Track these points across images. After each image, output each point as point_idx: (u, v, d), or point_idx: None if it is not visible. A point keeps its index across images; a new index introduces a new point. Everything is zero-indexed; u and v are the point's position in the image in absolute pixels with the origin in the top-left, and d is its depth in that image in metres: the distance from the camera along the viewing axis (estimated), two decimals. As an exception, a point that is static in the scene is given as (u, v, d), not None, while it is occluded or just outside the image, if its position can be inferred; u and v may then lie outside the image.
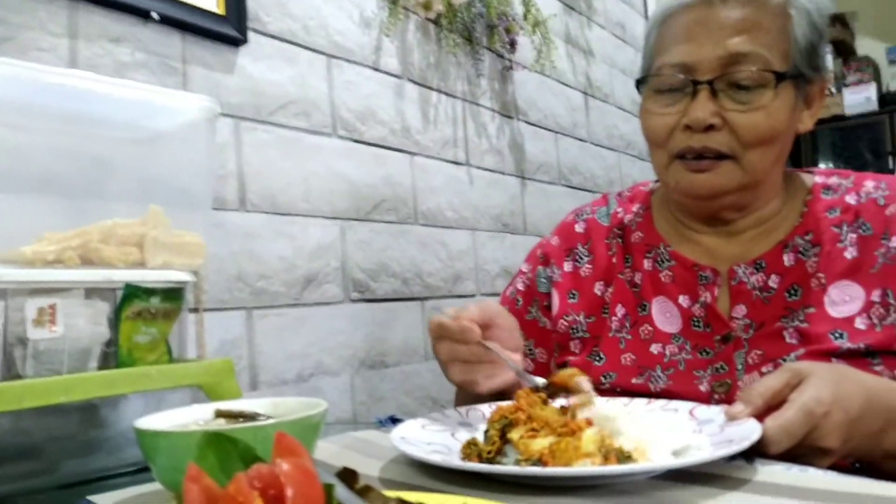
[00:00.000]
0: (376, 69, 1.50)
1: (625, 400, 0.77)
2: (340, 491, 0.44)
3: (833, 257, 0.83)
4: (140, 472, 0.72)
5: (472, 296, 1.70)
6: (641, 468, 0.53)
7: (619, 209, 1.00)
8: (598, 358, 0.91)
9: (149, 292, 0.75)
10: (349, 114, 1.41)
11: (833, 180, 0.90)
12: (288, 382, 1.20)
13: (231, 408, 0.65)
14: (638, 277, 0.93)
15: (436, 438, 0.67)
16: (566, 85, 2.24)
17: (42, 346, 0.67)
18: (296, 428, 0.54)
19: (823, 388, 0.62)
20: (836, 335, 0.79)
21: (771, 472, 0.57)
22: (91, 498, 0.60)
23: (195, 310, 0.88)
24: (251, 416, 0.64)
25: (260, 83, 1.24)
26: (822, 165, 4.37)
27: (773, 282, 0.85)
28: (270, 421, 0.53)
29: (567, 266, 0.99)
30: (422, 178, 1.58)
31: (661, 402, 0.75)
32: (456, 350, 0.74)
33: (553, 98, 2.16)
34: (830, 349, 0.78)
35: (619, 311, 0.92)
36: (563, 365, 0.96)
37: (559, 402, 0.69)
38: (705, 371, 0.84)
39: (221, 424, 0.62)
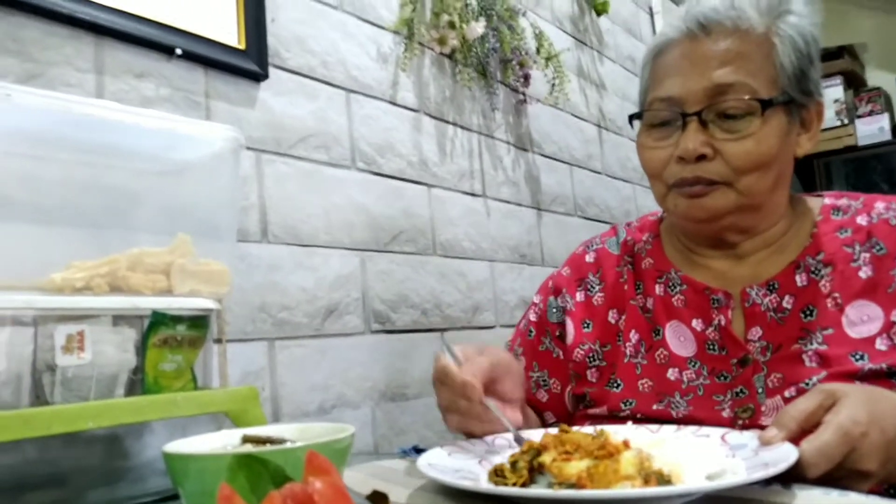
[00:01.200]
0: (394, 103, 1.52)
1: (653, 427, 0.76)
2: (374, 512, 0.44)
3: (847, 277, 0.83)
4: (164, 502, 0.71)
5: (492, 327, 1.69)
6: (684, 490, 0.52)
7: (629, 238, 1.00)
8: (615, 385, 0.90)
9: (175, 320, 0.75)
10: (368, 147, 1.43)
11: (843, 202, 0.91)
12: (310, 414, 1.19)
13: (258, 433, 0.64)
14: (650, 303, 0.93)
15: (463, 465, 0.66)
16: (579, 118, 2.26)
17: (70, 372, 0.67)
18: (325, 451, 0.53)
19: (859, 409, 0.61)
20: (857, 357, 0.78)
21: (810, 496, 0.56)
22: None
23: (219, 340, 0.88)
24: (279, 441, 0.63)
25: (281, 117, 1.26)
26: (837, 196, 4.36)
27: (787, 302, 0.84)
28: (300, 444, 0.53)
29: (579, 296, 0.99)
30: (439, 210, 1.59)
31: (692, 428, 0.74)
32: (455, 401, 0.73)
33: (567, 131, 2.18)
34: (852, 371, 0.77)
35: (633, 336, 0.92)
36: (582, 396, 0.94)
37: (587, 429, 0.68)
38: (725, 396, 0.83)
39: (249, 449, 0.62)
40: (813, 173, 4.14)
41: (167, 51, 1.10)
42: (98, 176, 0.79)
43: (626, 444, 0.57)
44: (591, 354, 0.95)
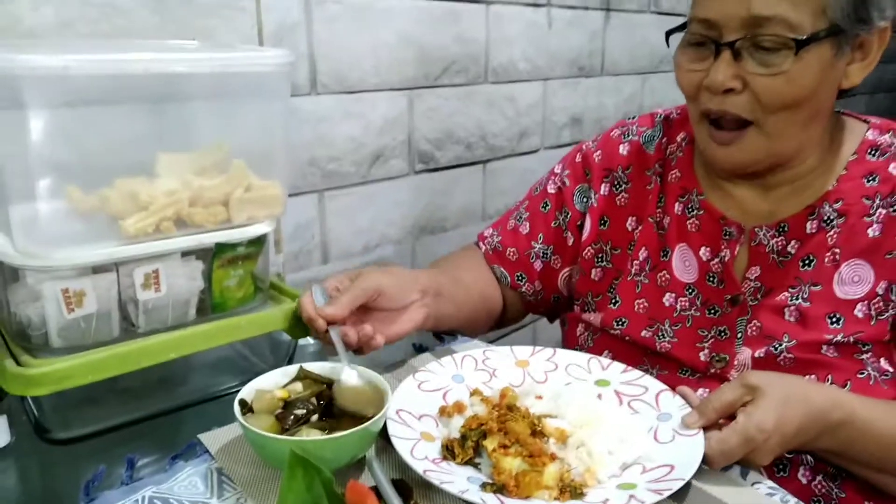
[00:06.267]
0: None
1: (605, 362, 0.86)
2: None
3: (855, 232, 0.84)
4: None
5: (536, 150, 1.71)
6: None
7: (664, 139, 0.99)
8: (614, 301, 0.97)
9: (236, 244, 0.83)
10: (424, -34, 1.31)
11: (885, 139, 0.87)
12: (355, 255, 1.31)
13: (312, 371, 0.77)
14: (666, 221, 0.95)
15: (427, 407, 0.77)
16: None
17: (150, 304, 0.77)
18: (362, 433, 0.66)
19: (769, 415, 0.69)
20: (833, 319, 0.83)
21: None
22: (200, 437, 0.75)
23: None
24: (327, 382, 0.76)
25: (331, -57, 1.15)
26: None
27: (792, 247, 0.87)
28: (345, 433, 0.65)
29: (604, 188, 1.01)
30: (496, 30, 1.50)
31: (637, 373, 0.83)
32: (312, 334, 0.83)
33: None
34: (819, 341, 0.83)
35: (642, 253, 0.96)
36: (583, 294, 1.02)
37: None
38: (709, 332, 0.89)
39: (303, 439, 0.72)
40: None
41: None
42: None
43: (552, 457, 0.68)
44: (599, 254, 1.00)
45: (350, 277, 0.85)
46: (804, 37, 0.75)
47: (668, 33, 0.87)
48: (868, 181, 0.85)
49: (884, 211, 0.83)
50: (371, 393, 0.73)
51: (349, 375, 0.75)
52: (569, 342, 1.06)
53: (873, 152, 0.86)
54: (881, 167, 0.85)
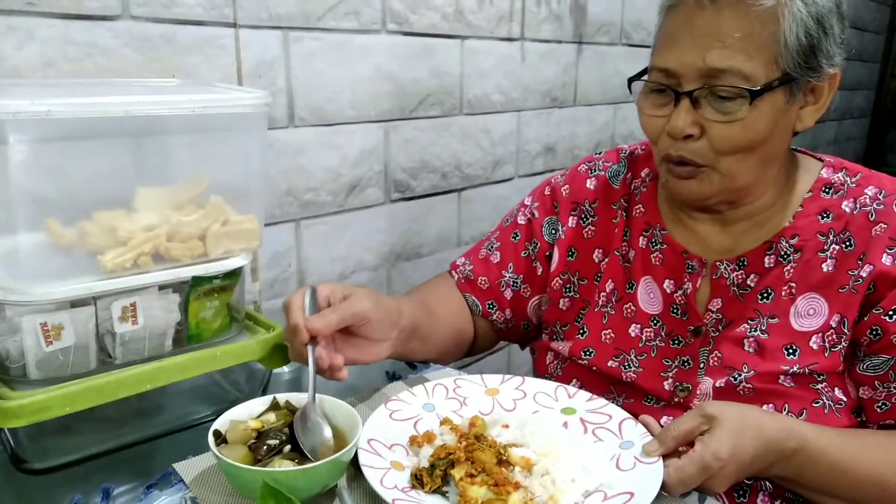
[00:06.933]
0: (433, -58, 1.39)
1: (571, 390, 0.89)
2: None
3: (810, 267, 0.88)
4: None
5: (510, 179, 1.75)
6: None
7: (629, 174, 1.03)
8: (581, 331, 1.00)
9: (212, 277, 0.85)
10: (400, 4, 1.35)
11: (838, 177, 0.92)
12: (331, 282, 1.33)
13: (284, 398, 0.79)
14: (631, 254, 0.99)
15: (398, 436, 0.79)
16: (646, -77, 2.01)
17: (127, 336, 0.79)
18: (333, 463, 0.68)
19: (724, 443, 0.72)
20: (790, 350, 0.87)
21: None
22: (175, 466, 0.77)
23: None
24: (294, 409, 0.78)
25: (309, -18, 1.19)
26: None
27: (752, 280, 0.91)
28: (316, 463, 0.67)
29: (571, 221, 1.05)
30: (471, 64, 1.54)
31: (601, 401, 0.86)
32: (288, 336, 0.82)
33: (628, -56, 1.96)
34: (776, 371, 0.86)
35: (609, 285, 1.00)
36: (552, 323, 1.05)
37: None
38: (673, 362, 0.93)
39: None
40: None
41: (187, -80, 1.01)
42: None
43: (517, 486, 0.70)
44: (567, 285, 1.04)
45: (344, 293, 0.85)
46: (758, 87, 0.79)
47: (630, 80, 0.91)
48: (822, 218, 0.89)
49: (837, 247, 0.87)
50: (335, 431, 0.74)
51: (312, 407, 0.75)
52: (539, 370, 1.09)
53: (827, 190, 0.91)
54: (834, 204, 0.89)
